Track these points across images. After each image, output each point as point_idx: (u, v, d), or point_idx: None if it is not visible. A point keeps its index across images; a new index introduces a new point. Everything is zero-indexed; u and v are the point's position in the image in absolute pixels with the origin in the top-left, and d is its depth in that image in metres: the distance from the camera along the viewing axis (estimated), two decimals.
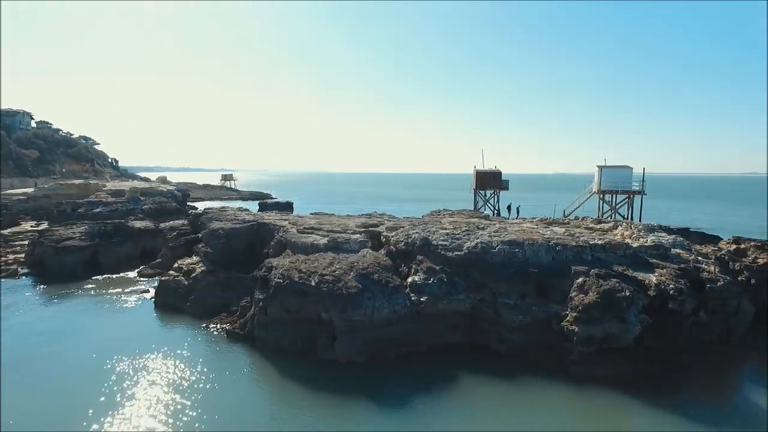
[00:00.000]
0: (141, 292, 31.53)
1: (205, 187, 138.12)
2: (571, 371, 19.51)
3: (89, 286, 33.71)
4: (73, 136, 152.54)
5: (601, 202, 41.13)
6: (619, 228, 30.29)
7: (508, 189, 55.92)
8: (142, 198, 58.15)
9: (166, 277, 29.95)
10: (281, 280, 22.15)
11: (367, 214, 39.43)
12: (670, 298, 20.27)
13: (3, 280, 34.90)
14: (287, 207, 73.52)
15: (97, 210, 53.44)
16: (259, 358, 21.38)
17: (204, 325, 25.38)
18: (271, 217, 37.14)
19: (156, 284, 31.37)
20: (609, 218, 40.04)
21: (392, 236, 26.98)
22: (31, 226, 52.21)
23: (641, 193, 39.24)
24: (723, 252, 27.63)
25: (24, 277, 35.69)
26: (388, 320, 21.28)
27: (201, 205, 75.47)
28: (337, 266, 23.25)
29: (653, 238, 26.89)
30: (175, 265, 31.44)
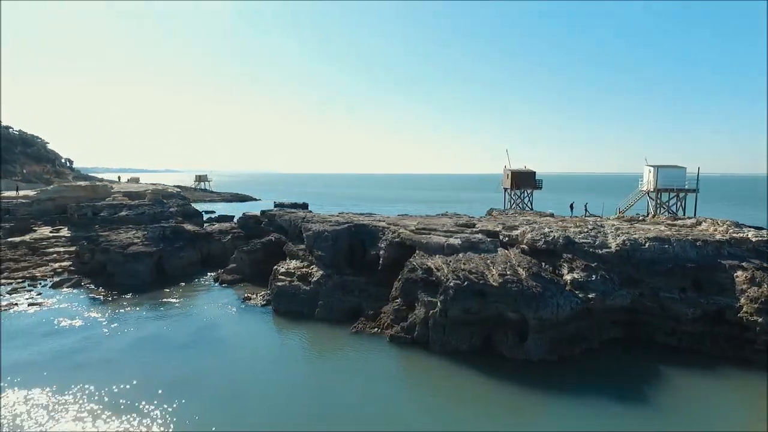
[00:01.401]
0: (244, 299, 29.86)
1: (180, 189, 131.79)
2: (754, 360, 20.51)
3: (175, 294, 31.51)
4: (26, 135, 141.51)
5: (655, 200, 43.23)
6: (704, 224, 32.00)
7: (541, 188, 57.64)
8: (165, 201, 54.84)
9: (282, 283, 28.56)
10: (459, 282, 21.85)
11: (423, 215, 39.57)
12: None
13: (69, 289, 31.95)
14: (303, 207, 71.97)
15: (123, 213, 50.10)
16: (440, 362, 20.87)
17: (353, 330, 24.46)
18: (364, 218, 36.19)
19: (263, 291, 29.95)
20: (656, 215, 42.17)
21: (527, 236, 27.17)
22: (51, 232, 48.10)
23: (696, 191, 41.68)
24: None
25: (91, 287, 32.74)
26: (568, 318, 21.53)
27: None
28: (502, 266, 23.24)
29: (753, 233, 28.70)
30: (282, 269, 30.01)
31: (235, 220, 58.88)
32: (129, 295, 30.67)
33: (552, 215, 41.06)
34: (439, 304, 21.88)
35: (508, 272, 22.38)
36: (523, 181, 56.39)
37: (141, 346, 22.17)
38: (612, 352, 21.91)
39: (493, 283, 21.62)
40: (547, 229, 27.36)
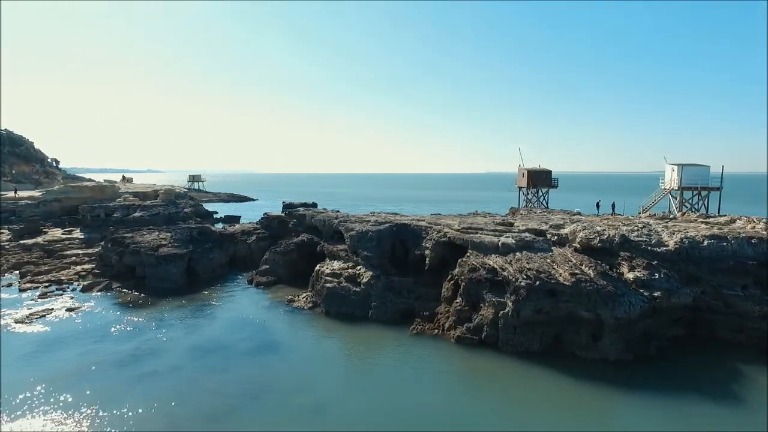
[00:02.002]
0: (288, 302, 29.15)
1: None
2: None
3: (212, 297, 30.66)
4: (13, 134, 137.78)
5: (679, 198, 43.59)
6: (739, 222, 32.29)
7: (557, 187, 57.86)
8: (178, 201, 53.55)
9: (331, 285, 27.92)
10: (530, 281, 21.57)
11: (456, 214, 39.36)
12: None
13: (100, 293, 30.83)
14: (313, 207, 71.12)
15: (137, 214, 48.86)
16: (513, 363, 20.56)
17: (413, 332, 24.01)
18: (406, 217, 35.71)
19: (304, 293, 29.31)
20: (685, 213, 42.53)
21: (579, 234, 27.04)
22: (63, 233, 46.56)
23: (720, 188, 42.17)
24: None
25: (124, 291, 31.64)
26: (638, 317, 21.39)
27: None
28: (567, 265, 23.04)
29: None
30: (327, 270, 29.36)
31: (243, 220, 57.94)
32: (168, 299, 29.71)
33: (579, 213, 41.20)
34: (509, 304, 21.56)
35: (576, 271, 22.17)
36: (540, 180, 56.54)
37: (204, 353, 21.39)
38: (682, 350, 21.86)
39: (565, 283, 21.39)
40: (599, 228, 27.28)
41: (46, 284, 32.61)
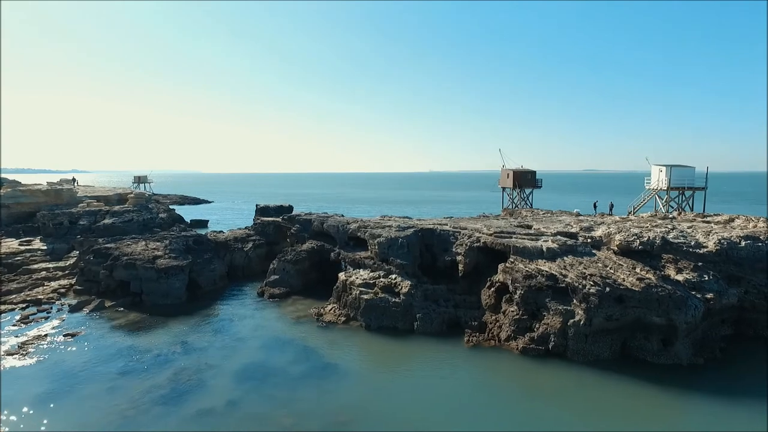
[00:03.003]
0: (317, 316, 26.89)
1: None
2: None
3: (227, 313, 27.81)
4: None
5: (667, 198, 45.29)
6: (738, 221, 33.80)
7: (541, 187, 58.71)
8: (150, 206, 48.96)
9: (367, 296, 25.98)
10: (600, 288, 20.93)
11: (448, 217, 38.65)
12: None
13: (95, 314, 27.06)
14: (289, 210, 68.04)
15: (107, 221, 44.18)
16: (586, 372, 19.82)
17: (469, 344, 22.72)
18: (427, 221, 34.21)
19: (329, 306, 27.22)
20: (670, 212, 44.28)
21: (616, 237, 26.87)
22: (20, 244, 41.06)
23: (705, 188, 44.24)
24: None
25: (121, 310, 28.00)
26: (700, 319, 21.41)
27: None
28: (626, 269, 22.69)
29: None
30: (358, 281, 27.38)
31: (214, 225, 54.39)
32: (176, 317, 26.59)
33: (579, 214, 41.74)
34: (580, 312, 20.82)
35: (642, 276, 21.82)
36: (525, 180, 57.09)
37: (255, 381, 18.95)
38: (744, 351, 22.05)
39: (634, 288, 20.95)
40: (635, 230, 27.30)
41: (23, 306, 28.24)
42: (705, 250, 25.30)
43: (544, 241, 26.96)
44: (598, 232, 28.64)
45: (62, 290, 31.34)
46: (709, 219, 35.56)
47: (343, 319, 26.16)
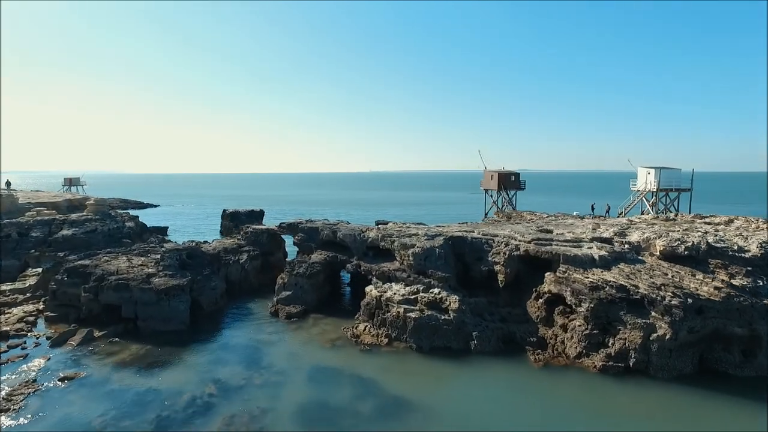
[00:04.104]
0: (354, 338, 23.99)
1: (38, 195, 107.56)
2: None
3: (249, 339, 24.22)
4: None
5: (655, 199, 46.28)
6: (737, 222, 34.75)
7: (524, 189, 58.58)
8: (112, 213, 43.13)
9: (414, 314, 23.43)
10: (681, 299, 19.83)
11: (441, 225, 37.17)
12: None
13: (83, 348, 22.52)
14: (259, 216, 63.57)
15: (67, 233, 38.37)
16: (675, 390, 18.69)
17: (538, 364, 20.90)
18: (455, 229, 31.96)
19: (361, 325, 24.42)
20: (659, 213, 45.32)
21: (658, 242, 26.20)
22: None
23: (690, 190, 45.63)
24: None
25: (116, 341, 23.58)
26: None
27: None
28: (690, 279, 21.86)
29: None
30: (397, 296, 24.75)
31: (175, 235, 49.65)
32: (190, 347, 22.71)
33: (580, 217, 41.55)
34: (663, 325, 19.61)
35: (719, 285, 21.02)
36: (510, 182, 56.66)
37: (324, 422, 16.00)
38: None
39: (713, 298, 20.08)
40: (675, 234, 26.79)
41: None
42: (749, 254, 25.12)
43: (588, 248, 25.81)
44: (634, 237, 27.93)
45: (30, 318, 26.11)
46: (709, 220, 36.16)
47: (385, 340, 23.48)
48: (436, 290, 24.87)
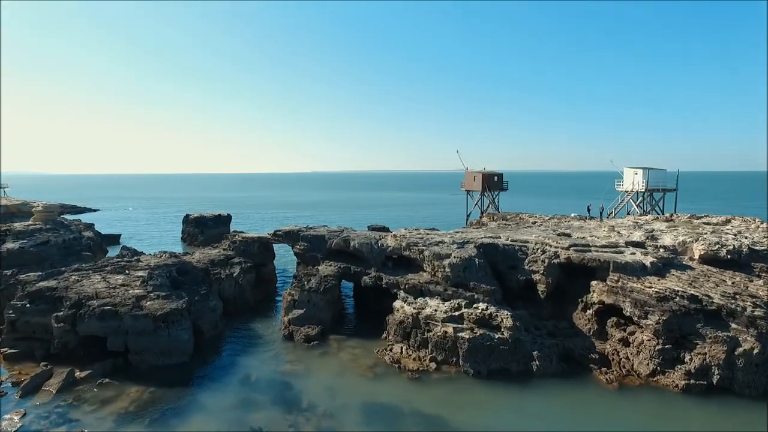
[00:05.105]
0: (393, 363, 20.91)
1: None
2: None
3: (262, 367, 20.56)
4: None
5: (644, 199, 46.47)
6: (734, 222, 35.09)
7: (507, 189, 57.57)
8: (65, 222, 37.05)
9: (464, 333, 20.71)
10: (765, 309, 18.49)
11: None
12: None
13: (65, 398, 17.96)
14: (227, 221, 58.44)
15: (13, 246, 32.38)
16: (758, 411, 17.36)
17: (611, 385, 18.88)
18: (475, 234, 29.37)
19: (395, 346, 21.48)
20: (645, 213, 45.57)
21: (698, 246, 25.19)
22: None
23: (675, 190, 46.20)
24: None
25: (106, 382, 19.10)
26: None
27: None
28: (755, 286, 20.77)
29: None
30: (439, 314, 21.92)
31: (128, 240, 44.36)
32: (204, 386, 18.75)
33: (583, 218, 40.74)
34: (750, 338, 18.17)
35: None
36: (493, 183, 55.40)
37: None
38: None
39: None
40: (713, 238, 25.90)
41: None
42: None
43: (631, 253, 24.33)
44: (667, 241, 26.92)
45: None
46: (707, 221, 36.22)
47: (432, 365, 20.63)
48: (482, 305, 22.31)
